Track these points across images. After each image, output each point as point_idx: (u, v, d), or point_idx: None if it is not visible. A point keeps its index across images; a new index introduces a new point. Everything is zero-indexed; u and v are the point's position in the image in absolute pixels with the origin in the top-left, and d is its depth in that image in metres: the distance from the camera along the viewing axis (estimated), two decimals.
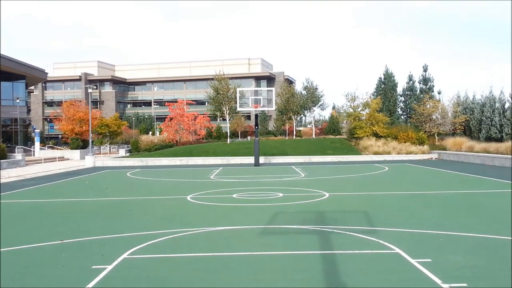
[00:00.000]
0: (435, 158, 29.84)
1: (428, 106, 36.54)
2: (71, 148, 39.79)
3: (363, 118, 35.72)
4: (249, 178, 18.18)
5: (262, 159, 27.94)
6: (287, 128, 49.03)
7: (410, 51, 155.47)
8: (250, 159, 27.71)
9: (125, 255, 6.30)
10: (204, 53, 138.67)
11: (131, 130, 61.94)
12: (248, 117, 70.26)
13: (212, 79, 43.93)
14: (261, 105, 26.99)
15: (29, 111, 71.35)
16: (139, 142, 37.28)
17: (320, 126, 59.29)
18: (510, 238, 6.99)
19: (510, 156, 22.99)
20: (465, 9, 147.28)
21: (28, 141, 43.23)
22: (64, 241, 7.34)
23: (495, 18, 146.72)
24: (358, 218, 8.96)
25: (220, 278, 5.27)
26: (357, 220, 8.68)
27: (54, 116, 53.55)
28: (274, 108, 29.82)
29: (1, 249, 6.75)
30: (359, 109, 36.07)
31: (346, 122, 40.05)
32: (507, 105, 34.05)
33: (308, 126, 59.84)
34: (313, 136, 45.16)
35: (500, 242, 6.81)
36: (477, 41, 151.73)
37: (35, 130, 44.93)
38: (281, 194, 12.72)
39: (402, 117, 45.84)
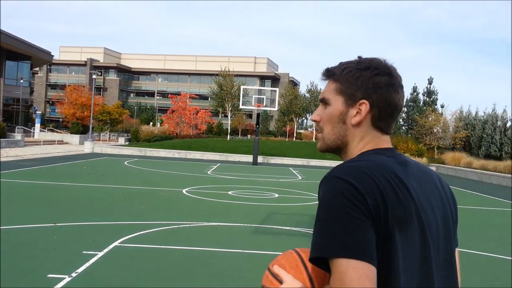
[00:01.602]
0: None
1: (430, 119, 36.56)
2: (71, 133, 39.80)
3: None
4: (246, 176, 18.19)
5: (260, 159, 27.94)
6: (287, 130, 49.06)
7: (417, 62, 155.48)
8: (249, 158, 27.72)
9: (116, 243, 6.30)
10: (210, 49, 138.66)
11: (132, 119, 61.97)
12: (250, 116, 70.25)
13: (217, 74, 43.94)
14: (264, 105, 27.02)
15: (32, 92, 71.31)
16: (139, 132, 37.29)
17: None
18: (503, 256, 7.00)
19: (509, 175, 23.00)
20: (476, 24, 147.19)
21: (28, 122, 43.25)
22: (56, 224, 7.35)
23: (505, 36, 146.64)
24: None
25: (209, 273, 5.28)
26: None
27: (57, 99, 53.62)
28: (276, 108, 29.84)
29: None
30: None
31: None
32: (508, 123, 34.09)
33: (309, 129, 59.85)
34: (313, 139, 45.19)
35: (492, 260, 6.82)
36: (485, 58, 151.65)
37: (37, 112, 44.93)
38: (276, 195, 12.73)
39: (403, 127, 45.89)
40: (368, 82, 1.18)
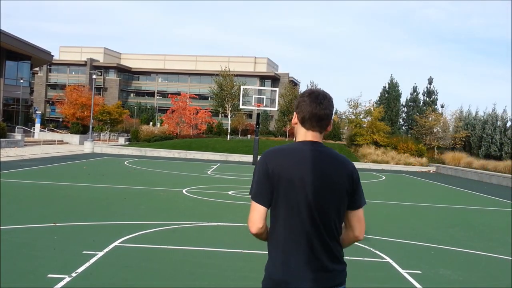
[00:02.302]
0: (433, 171, 29.86)
1: (430, 118, 36.55)
2: (71, 133, 39.77)
3: (364, 125, 35.71)
4: (246, 176, 18.18)
5: None
6: (287, 130, 49.04)
7: (417, 62, 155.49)
8: (249, 158, 27.70)
9: (116, 243, 6.30)
10: (210, 49, 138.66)
11: (132, 119, 61.96)
12: (250, 116, 70.24)
13: (217, 74, 43.90)
14: (264, 105, 27.01)
15: (32, 92, 71.32)
16: (139, 131, 37.26)
17: None
18: (503, 256, 7.00)
19: (509, 175, 23.00)
20: (476, 24, 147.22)
21: (28, 122, 43.23)
22: (56, 224, 7.34)
23: (505, 36, 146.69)
24: None
25: (209, 273, 5.28)
26: None
27: (57, 99, 53.58)
28: (276, 108, 29.82)
29: None
30: (361, 116, 36.06)
31: (347, 128, 40.05)
32: (508, 123, 34.08)
33: None
34: None
35: (492, 260, 6.82)
36: (485, 58, 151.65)
37: (37, 112, 44.91)
38: None
39: (403, 127, 45.86)
40: (297, 102, 2.14)
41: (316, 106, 2.04)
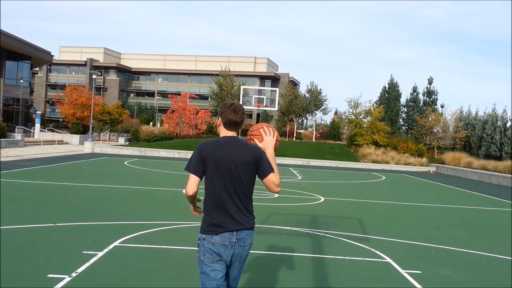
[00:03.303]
0: (433, 171, 29.86)
1: (430, 119, 36.56)
2: (71, 133, 39.76)
3: (364, 125, 35.72)
4: None
5: None
6: (287, 130, 49.03)
7: (417, 62, 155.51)
8: None
9: (116, 243, 6.30)
10: (210, 49, 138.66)
11: (132, 119, 61.94)
12: (250, 116, 70.26)
13: (217, 74, 43.89)
14: (264, 105, 27.02)
15: (32, 92, 71.32)
16: (139, 132, 37.25)
17: (321, 130, 59.26)
18: (503, 256, 7.00)
19: (508, 175, 23.00)
20: (477, 24, 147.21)
21: (28, 122, 43.23)
22: (56, 224, 7.34)
23: (505, 36, 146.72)
24: (351, 224, 8.96)
25: None
26: (350, 227, 8.69)
27: (57, 99, 53.59)
28: (276, 108, 29.83)
29: None
30: (361, 117, 36.07)
31: (347, 128, 40.06)
32: (508, 123, 34.08)
33: (309, 129, 59.82)
34: (313, 139, 45.17)
35: (492, 260, 6.82)
36: (485, 58, 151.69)
37: (37, 112, 44.89)
38: (276, 195, 12.72)
39: (403, 127, 45.85)
40: (221, 110, 3.08)
41: (235, 115, 3.05)
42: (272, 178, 3.05)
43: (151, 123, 57.31)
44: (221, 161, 2.93)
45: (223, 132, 3.08)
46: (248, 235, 3.05)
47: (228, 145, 2.98)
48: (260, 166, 3.04)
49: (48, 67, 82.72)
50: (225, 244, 2.95)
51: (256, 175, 3.07)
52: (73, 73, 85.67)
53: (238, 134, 3.10)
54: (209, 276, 2.96)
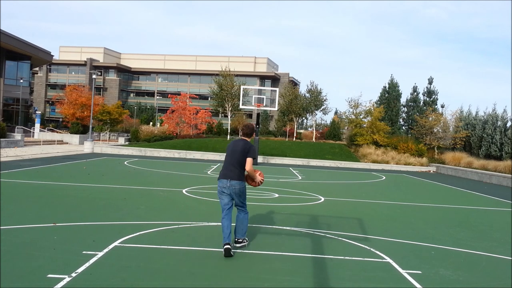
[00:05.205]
0: (433, 171, 29.86)
1: (430, 118, 36.56)
2: (71, 133, 39.76)
3: (365, 125, 35.72)
4: None
5: (260, 159, 27.94)
6: (287, 130, 49.02)
7: (417, 62, 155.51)
8: None
9: (116, 243, 6.30)
10: (210, 49, 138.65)
11: (132, 119, 61.99)
12: (250, 116, 70.26)
13: (217, 74, 43.89)
14: (264, 105, 26.99)
15: (32, 92, 71.34)
16: (139, 131, 37.26)
17: (321, 130, 59.28)
18: (503, 256, 7.00)
19: (508, 175, 23.00)
20: (477, 24, 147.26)
21: (28, 122, 43.25)
22: (56, 224, 7.34)
23: (505, 36, 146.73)
24: (351, 224, 8.96)
25: (208, 273, 5.28)
26: (350, 227, 8.68)
27: (57, 99, 53.60)
28: (276, 108, 29.79)
29: None
30: (361, 116, 36.07)
31: (347, 128, 40.06)
32: (508, 123, 34.09)
33: (309, 129, 59.81)
34: (313, 139, 45.16)
35: (492, 260, 6.82)
36: (485, 58, 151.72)
37: (37, 112, 44.92)
38: (276, 195, 12.72)
39: (403, 127, 45.86)
40: (241, 126, 7.61)
41: (242, 131, 6.54)
42: (249, 160, 6.15)
43: (151, 123, 57.34)
44: (232, 149, 6.27)
45: (240, 136, 6.49)
46: (236, 183, 6.10)
47: (237, 142, 6.32)
48: (248, 153, 6.17)
49: (48, 67, 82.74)
50: (224, 186, 6.14)
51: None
52: (73, 73, 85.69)
53: (249, 138, 6.46)
54: (220, 200, 6.24)
